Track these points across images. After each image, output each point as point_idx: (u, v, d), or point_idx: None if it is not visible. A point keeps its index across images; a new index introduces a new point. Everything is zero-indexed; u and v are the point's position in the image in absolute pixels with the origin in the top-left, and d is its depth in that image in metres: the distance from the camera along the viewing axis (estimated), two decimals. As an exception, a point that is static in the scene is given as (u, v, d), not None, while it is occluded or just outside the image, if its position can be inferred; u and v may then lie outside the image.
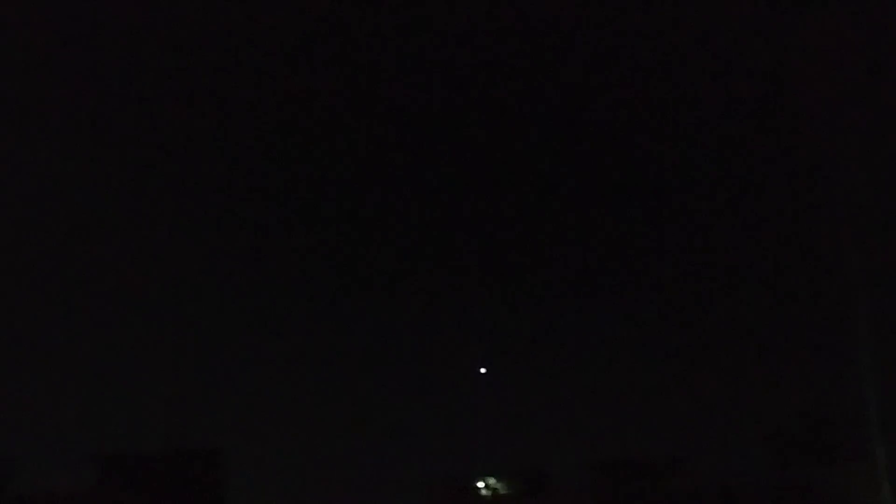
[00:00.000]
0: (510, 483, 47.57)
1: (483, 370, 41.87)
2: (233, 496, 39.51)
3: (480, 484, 48.04)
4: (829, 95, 47.97)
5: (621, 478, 44.58)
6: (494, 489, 48.02)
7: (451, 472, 49.79)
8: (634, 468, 45.41)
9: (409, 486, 51.23)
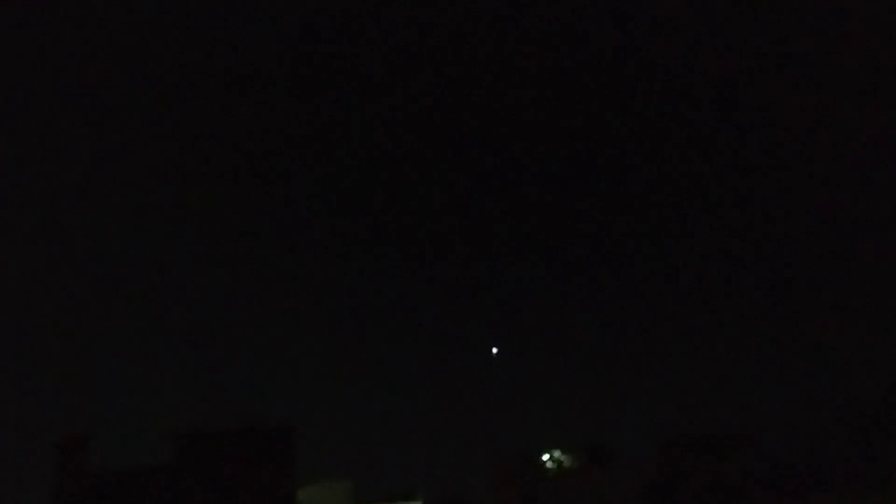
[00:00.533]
0: (575, 456, 47.45)
1: (495, 350, 41.20)
2: (304, 472, 40.15)
3: (546, 457, 48.02)
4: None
5: (688, 452, 44.02)
6: (559, 462, 47.94)
7: (515, 447, 49.97)
8: (701, 443, 44.71)
9: (474, 461, 51.66)
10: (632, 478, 44.15)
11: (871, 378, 49.16)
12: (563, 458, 48.08)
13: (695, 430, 46.17)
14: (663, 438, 45.35)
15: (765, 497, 42.09)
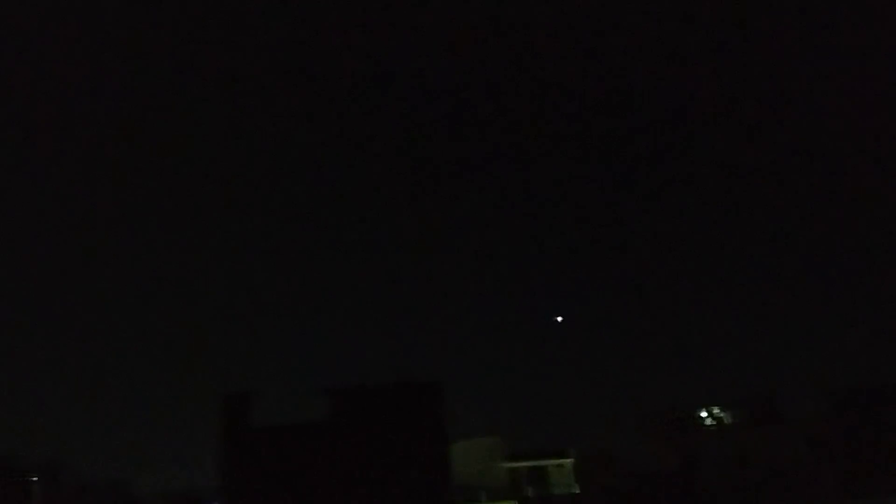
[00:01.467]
0: (737, 412, 44.69)
1: (559, 318, 38.57)
2: (456, 428, 39.97)
3: (703, 413, 45.56)
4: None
5: (859, 406, 40.43)
6: (719, 418, 45.39)
7: (670, 402, 47.78)
8: (873, 396, 41.00)
9: (627, 417, 49.94)
10: (800, 433, 41.15)
11: None
12: (722, 414, 45.47)
13: (867, 382, 42.36)
14: (833, 391, 41.82)
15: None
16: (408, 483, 36.16)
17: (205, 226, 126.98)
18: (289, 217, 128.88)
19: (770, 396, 43.66)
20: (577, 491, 43.67)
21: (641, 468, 43.55)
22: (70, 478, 45.49)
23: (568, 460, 45.51)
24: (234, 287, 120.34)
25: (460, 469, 42.41)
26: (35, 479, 44.71)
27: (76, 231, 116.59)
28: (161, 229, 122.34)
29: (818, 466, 40.47)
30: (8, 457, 45.31)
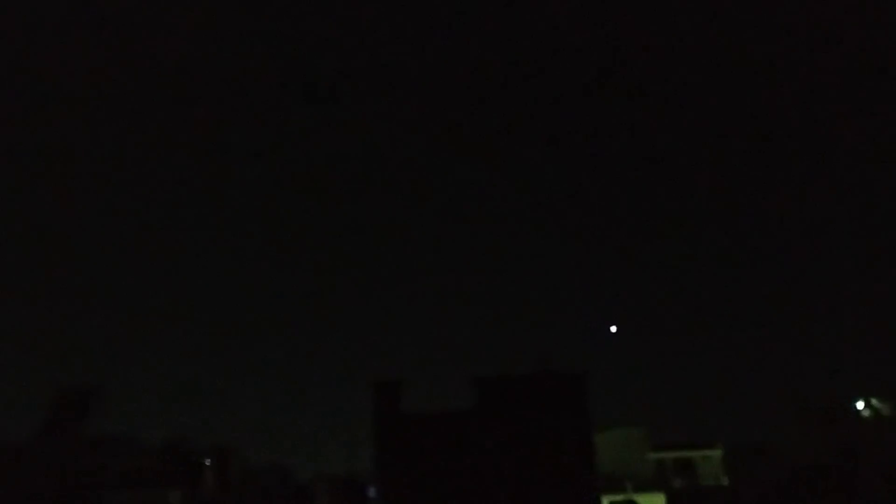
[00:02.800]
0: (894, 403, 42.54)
1: (613, 329, 37.04)
2: (602, 417, 40.37)
3: (860, 405, 43.58)
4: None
5: None
6: (877, 409, 43.28)
7: (824, 393, 45.90)
8: None
9: (778, 409, 48.27)
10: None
11: None
12: (881, 405, 43.38)
13: None
14: None
15: None
16: (554, 472, 36.85)
17: (352, 209, 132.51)
18: (431, 202, 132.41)
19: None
20: (726, 483, 42.99)
21: (794, 460, 42.30)
22: (238, 462, 49.22)
23: (716, 451, 44.84)
24: (389, 275, 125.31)
25: (606, 459, 42.75)
26: (208, 462, 48.68)
27: (241, 229, 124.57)
28: (310, 215, 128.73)
29: None
30: (183, 441, 49.59)
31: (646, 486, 43.00)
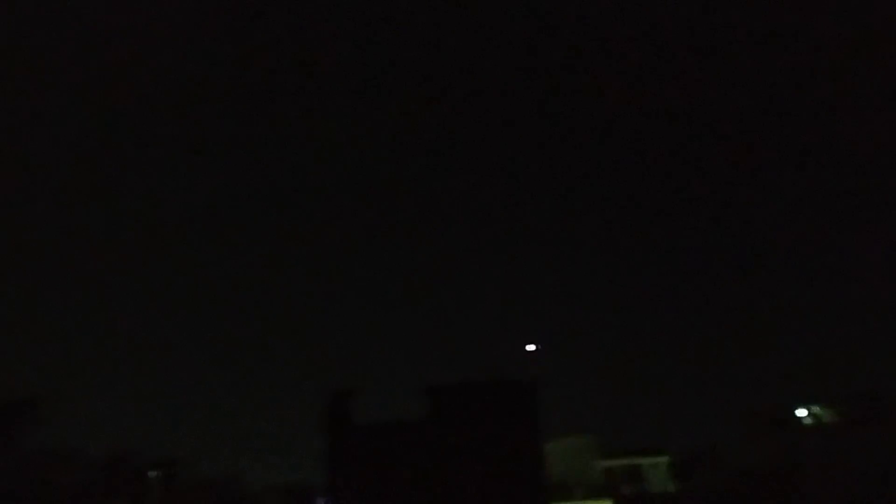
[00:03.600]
0: (838, 410, 43.73)
1: (531, 347, 37.68)
2: (551, 426, 40.64)
3: (802, 412, 44.75)
4: None
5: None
6: (819, 417, 44.49)
7: (767, 400, 47.10)
8: None
9: (716, 416, 49.41)
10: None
11: None
12: (822, 412, 44.59)
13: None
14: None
15: None
16: (504, 480, 37.05)
17: (300, 220, 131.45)
18: (383, 212, 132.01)
19: (873, 394, 42.57)
20: (673, 489, 43.73)
21: (738, 466, 43.24)
22: (186, 473, 48.33)
23: (664, 458, 45.58)
24: (339, 286, 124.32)
25: (556, 467, 43.11)
26: (154, 474, 47.69)
27: (174, 230, 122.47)
28: (260, 225, 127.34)
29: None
30: (129, 454, 48.48)
31: (595, 494, 43.50)
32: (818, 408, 44.41)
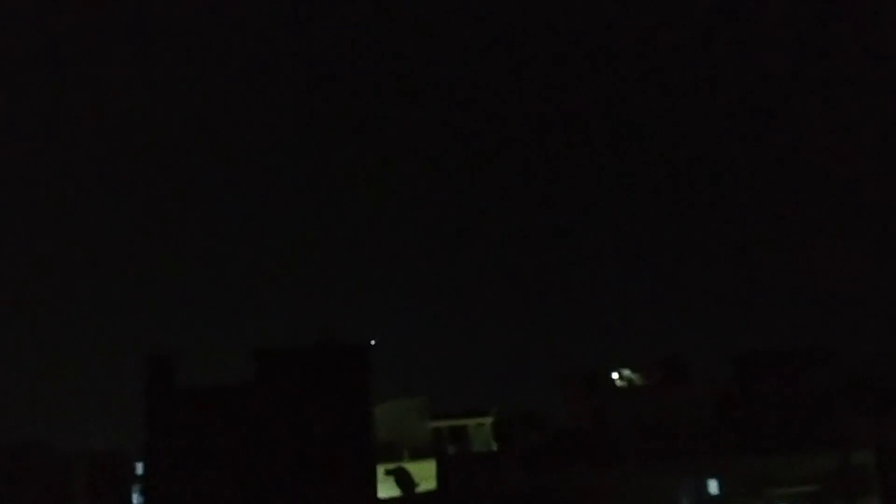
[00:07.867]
0: (647, 374, 47.20)
1: (373, 342, 39.04)
2: (381, 389, 41.12)
3: (615, 375, 47.93)
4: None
5: (765, 367, 43.28)
6: (630, 380, 47.83)
7: (587, 364, 49.99)
8: (779, 358, 43.84)
9: (540, 379, 52.05)
10: (705, 394, 43.77)
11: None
12: (633, 376, 47.97)
13: (773, 346, 45.49)
14: (739, 354, 44.61)
15: (842, 412, 41.43)
16: (330, 442, 37.21)
17: (134, 183, 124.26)
18: (226, 179, 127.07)
19: (677, 359, 46.25)
20: (496, 448, 45.70)
21: (555, 426, 45.80)
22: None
23: (488, 419, 47.46)
24: (164, 245, 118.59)
25: (384, 429, 43.79)
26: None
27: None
28: (92, 183, 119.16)
29: (721, 426, 43.09)
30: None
31: (421, 454, 44.64)
32: (629, 371, 47.68)
